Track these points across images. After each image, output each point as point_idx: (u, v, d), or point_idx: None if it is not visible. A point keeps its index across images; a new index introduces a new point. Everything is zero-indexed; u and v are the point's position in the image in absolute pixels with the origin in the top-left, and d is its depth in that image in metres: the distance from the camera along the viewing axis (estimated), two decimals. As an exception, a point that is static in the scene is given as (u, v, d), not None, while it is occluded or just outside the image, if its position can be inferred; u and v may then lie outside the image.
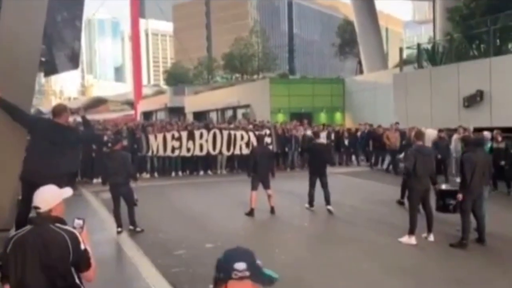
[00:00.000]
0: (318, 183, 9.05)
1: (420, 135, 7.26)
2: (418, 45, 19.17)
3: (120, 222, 7.28)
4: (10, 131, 5.27)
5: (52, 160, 5.20)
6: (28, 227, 2.55)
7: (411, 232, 6.66)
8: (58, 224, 2.55)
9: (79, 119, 6.40)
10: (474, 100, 13.90)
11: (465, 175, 6.39)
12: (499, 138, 10.81)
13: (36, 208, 2.58)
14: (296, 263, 5.88)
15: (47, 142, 5.22)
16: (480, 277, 5.51)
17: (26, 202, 5.26)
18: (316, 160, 9.29)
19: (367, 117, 23.29)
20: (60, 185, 5.42)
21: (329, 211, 8.82)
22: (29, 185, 5.17)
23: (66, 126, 5.53)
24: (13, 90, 5.51)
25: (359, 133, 17.30)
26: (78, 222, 2.65)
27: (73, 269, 2.55)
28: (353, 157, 17.68)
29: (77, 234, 2.56)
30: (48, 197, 2.62)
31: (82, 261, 2.56)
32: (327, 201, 8.94)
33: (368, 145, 16.33)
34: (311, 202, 9.17)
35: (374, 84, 27.13)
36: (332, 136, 16.86)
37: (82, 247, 2.55)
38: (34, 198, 2.61)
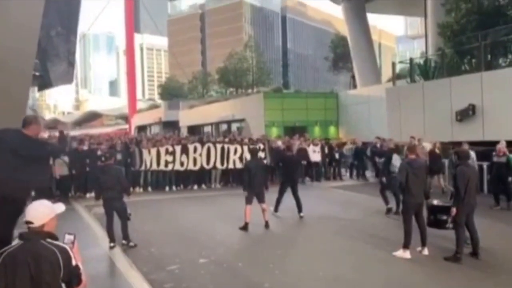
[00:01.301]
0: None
1: (412, 148, 7.29)
2: (411, 59, 19.39)
3: (113, 237, 7.22)
4: None
5: (17, 172, 5.01)
6: (18, 242, 2.52)
7: (406, 246, 6.65)
8: (49, 240, 2.53)
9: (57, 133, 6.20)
10: (466, 114, 14.02)
11: (459, 189, 6.41)
12: (501, 152, 10.77)
13: (29, 223, 2.56)
14: (291, 278, 5.84)
15: (11, 153, 5.04)
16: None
17: None
18: (288, 170, 10.19)
19: (361, 131, 23.45)
20: (28, 199, 5.33)
21: (301, 217, 9.72)
22: None
23: (33, 138, 5.28)
24: (5, 104, 5.53)
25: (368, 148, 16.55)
26: (68, 237, 2.63)
27: (63, 285, 2.52)
28: (352, 171, 17.76)
29: (69, 250, 2.54)
30: (41, 212, 2.61)
31: (73, 277, 2.54)
32: (299, 209, 9.82)
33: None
34: (276, 207, 9.96)
35: (367, 98, 27.34)
36: (326, 150, 16.91)
37: (73, 263, 2.52)
38: (27, 213, 2.59)
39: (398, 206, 9.62)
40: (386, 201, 10.11)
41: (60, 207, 2.73)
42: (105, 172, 7.40)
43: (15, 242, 2.65)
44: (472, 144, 12.29)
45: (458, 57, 17.00)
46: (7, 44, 5.49)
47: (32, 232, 2.55)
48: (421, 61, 19.03)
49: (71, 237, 2.64)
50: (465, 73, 15.79)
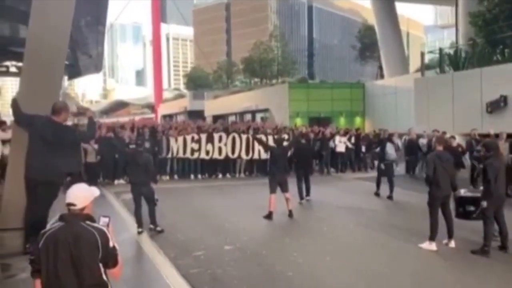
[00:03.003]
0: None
1: (440, 140, 7.18)
2: (440, 49, 18.96)
3: (141, 222, 7.40)
4: (26, 136, 5.42)
5: (48, 158, 5.17)
6: (59, 223, 2.63)
7: (432, 238, 6.59)
8: (88, 222, 2.64)
9: (85, 121, 6.33)
10: (497, 105, 13.67)
11: (489, 181, 6.30)
12: None
13: (71, 205, 2.65)
14: (315, 267, 5.88)
15: (42, 140, 5.21)
16: (501, 285, 5.42)
17: (30, 199, 5.34)
18: (301, 158, 10.76)
19: (388, 121, 23.12)
20: (61, 184, 5.53)
21: (307, 200, 10.40)
22: (31, 183, 5.28)
23: (63, 125, 5.46)
24: (40, 92, 5.71)
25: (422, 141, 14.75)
26: (104, 220, 2.73)
27: (101, 266, 2.63)
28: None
29: (107, 231, 2.64)
30: (84, 195, 2.71)
31: (110, 258, 2.64)
32: (308, 192, 10.48)
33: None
34: (300, 195, 10.31)
35: (395, 88, 26.93)
36: (353, 140, 16.70)
37: (111, 244, 2.63)
38: (69, 195, 2.68)
39: (391, 191, 10.90)
40: (378, 186, 11.33)
41: (96, 191, 2.84)
42: (134, 159, 7.56)
43: (50, 223, 2.76)
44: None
45: (490, 47, 16.53)
46: (42, 35, 5.65)
47: (72, 214, 2.65)
48: (451, 51, 18.59)
49: (106, 219, 2.73)
50: (497, 64, 15.35)
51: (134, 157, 7.61)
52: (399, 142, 16.27)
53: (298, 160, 10.94)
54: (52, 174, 5.29)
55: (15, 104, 5.53)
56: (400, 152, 16.39)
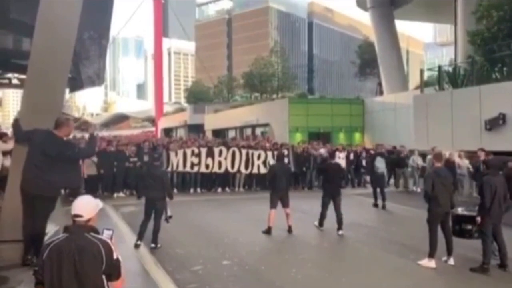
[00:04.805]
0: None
1: (438, 157, 7.21)
2: (439, 67, 19.08)
3: (142, 236, 7.35)
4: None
5: (46, 172, 5.16)
6: (64, 234, 2.65)
7: (431, 255, 6.57)
8: (92, 234, 2.66)
9: (86, 135, 6.29)
10: (496, 123, 13.71)
11: (485, 199, 6.32)
12: None
13: (78, 216, 2.68)
14: (313, 283, 5.85)
15: (40, 153, 5.20)
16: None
17: (26, 212, 5.33)
18: (330, 180, 9.28)
19: (387, 138, 23.18)
20: (58, 195, 5.50)
21: (340, 235, 8.66)
22: (27, 196, 5.28)
23: (63, 139, 5.44)
24: (43, 105, 5.76)
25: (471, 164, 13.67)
26: (107, 232, 2.75)
27: (104, 278, 2.64)
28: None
29: (111, 244, 2.66)
30: (90, 206, 2.74)
31: (114, 270, 2.66)
32: (339, 225, 8.80)
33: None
34: (321, 221, 9.14)
35: (394, 105, 27.06)
36: (352, 157, 16.77)
37: (115, 256, 2.65)
38: (76, 207, 2.71)
39: (383, 200, 11.77)
40: (375, 198, 12.03)
41: (100, 203, 2.87)
42: (151, 173, 7.56)
43: (50, 234, 2.78)
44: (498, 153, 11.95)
45: (489, 65, 16.65)
46: (46, 48, 5.72)
47: (77, 225, 2.68)
48: (450, 69, 18.72)
49: (110, 232, 2.76)
50: (496, 82, 15.45)
51: (150, 171, 7.61)
52: (419, 160, 16.13)
53: (326, 183, 9.49)
54: (49, 189, 5.26)
55: (16, 124, 5.58)
56: (419, 171, 16.11)
